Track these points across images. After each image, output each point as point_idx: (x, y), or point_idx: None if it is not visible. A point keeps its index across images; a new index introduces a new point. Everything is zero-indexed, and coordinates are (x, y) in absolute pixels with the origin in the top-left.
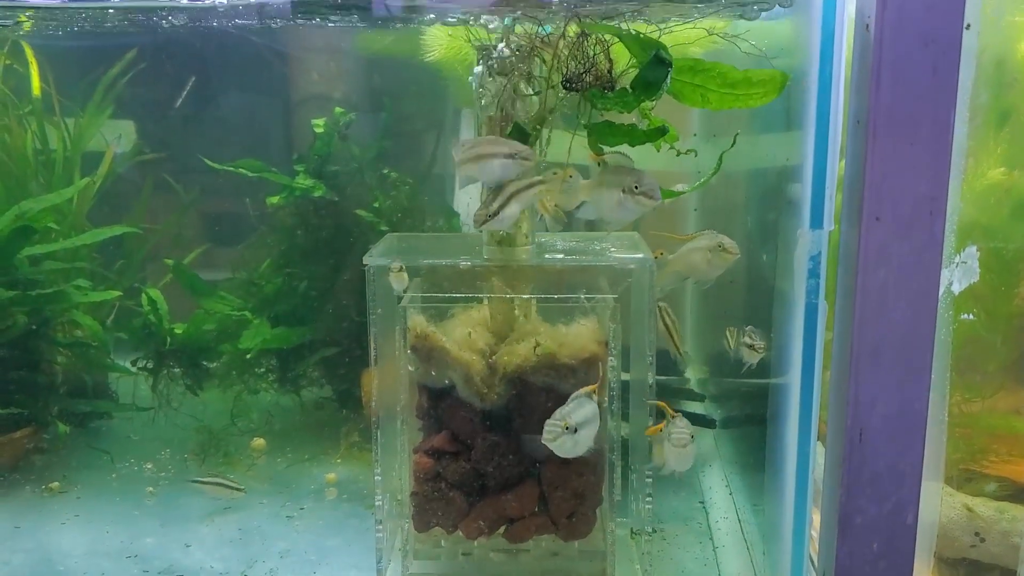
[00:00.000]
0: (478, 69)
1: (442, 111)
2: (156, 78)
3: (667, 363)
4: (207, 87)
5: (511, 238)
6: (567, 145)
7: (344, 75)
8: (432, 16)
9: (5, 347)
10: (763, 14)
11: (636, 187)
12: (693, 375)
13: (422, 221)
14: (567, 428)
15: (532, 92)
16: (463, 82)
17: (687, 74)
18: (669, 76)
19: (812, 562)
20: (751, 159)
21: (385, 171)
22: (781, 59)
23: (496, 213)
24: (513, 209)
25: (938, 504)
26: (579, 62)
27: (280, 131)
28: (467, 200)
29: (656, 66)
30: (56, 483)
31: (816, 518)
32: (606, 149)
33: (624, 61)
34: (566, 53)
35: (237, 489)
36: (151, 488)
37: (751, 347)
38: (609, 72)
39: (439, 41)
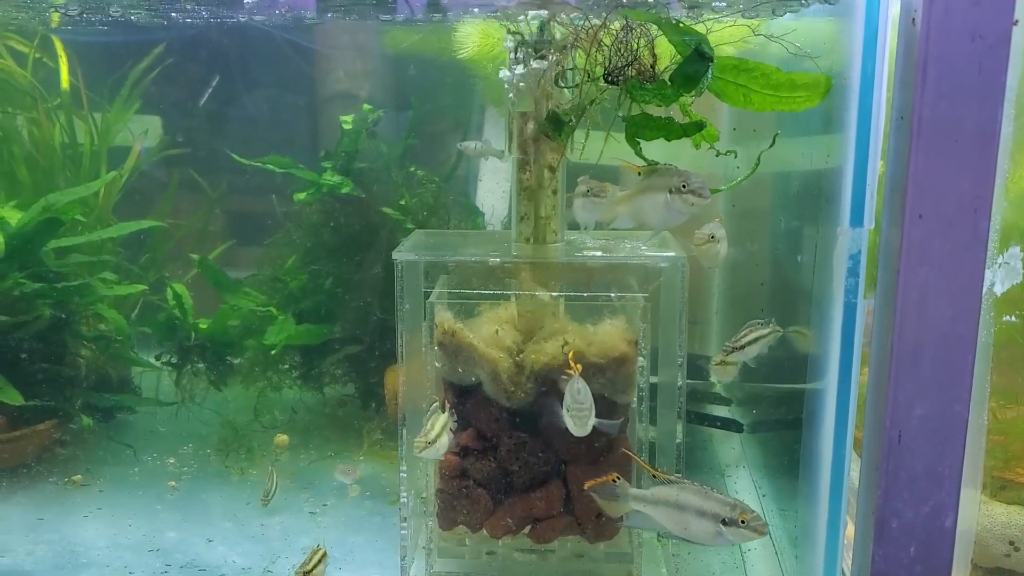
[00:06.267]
0: (507, 66)
1: (468, 109)
2: (184, 74)
3: (692, 366)
4: (234, 83)
5: (541, 235)
6: (597, 143)
7: (371, 73)
8: (477, 10)
9: (30, 339)
10: (807, 9)
11: (684, 186)
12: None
13: (447, 219)
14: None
15: (566, 86)
16: (491, 80)
17: (731, 73)
18: (710, 71)
19: (843, 573)
20: (788, 157)
21: (412, 168)
22: (821, 58)
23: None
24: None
25: (975, 511)
26: (622, 55)
27: (307, 128)
28: (491, 201)
29: (696, 60)
30: (79, 476)
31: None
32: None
33: (668, 59)
34: (609, 45)
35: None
36: (173, 482)
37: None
38: (652, 67)
39: (471, 38)
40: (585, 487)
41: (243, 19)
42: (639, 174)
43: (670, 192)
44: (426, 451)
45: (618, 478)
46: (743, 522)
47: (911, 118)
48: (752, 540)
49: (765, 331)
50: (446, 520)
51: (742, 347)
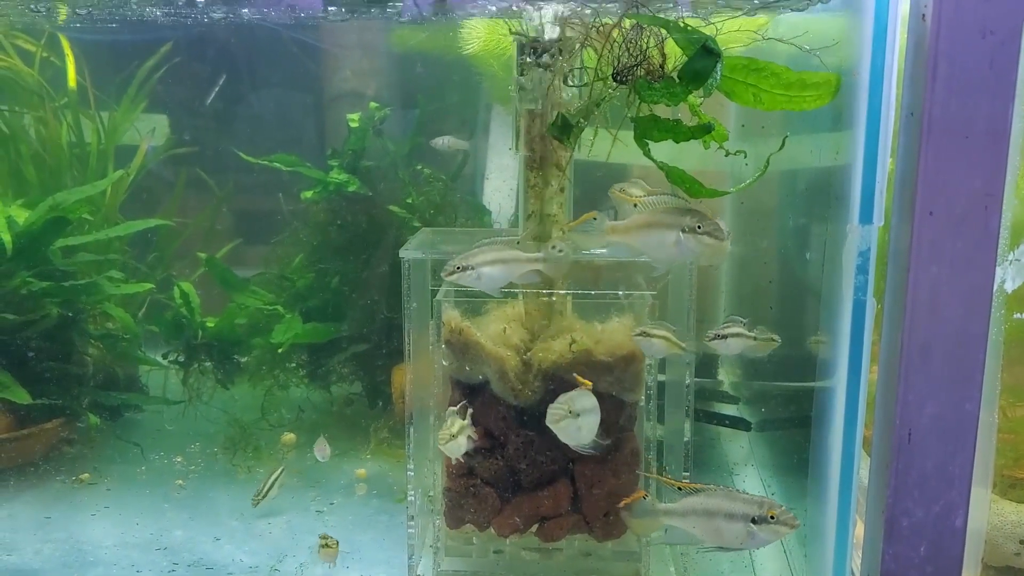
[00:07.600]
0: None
1: (475, 107)
2: (190, 72)
3: (699, 365)
4: (241, 82)
5: (548, 233)
6: (603, 146)
7: (377, 72)
8: (494, 8)
9: (38, 338)
10: (814, 8)
11: (699, 227)
12: (727, 377)
13: (454, 217)
14: (570, 412)
15: (575, 84)
16: (498, 78)
17: (741, 72)
18: (718, 68)
19: (853, 572)
20: (796, 155)
21: (418, 167)
22: (829, 55)
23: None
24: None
25: (986, 510)
26: (632, 55)
27: (313, 126)
28: (498, 199)
29: (703, 56)
30: (86, 474)
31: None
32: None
33: (676, 59)
34: (619, 44)
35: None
36: (180, 481)
37: None
38: (661, 67)
39: (477, 34)
40: (620, 505)
41: (250, 17)
42: (635, 205)
43: (683, 231)
44: (449, 444)
45: (646, 495)
46: (772, 518)
47: (921, 115)
48: (785, 535)
49: (747, 332)
50: (453, 519)
51: (724, 337)
